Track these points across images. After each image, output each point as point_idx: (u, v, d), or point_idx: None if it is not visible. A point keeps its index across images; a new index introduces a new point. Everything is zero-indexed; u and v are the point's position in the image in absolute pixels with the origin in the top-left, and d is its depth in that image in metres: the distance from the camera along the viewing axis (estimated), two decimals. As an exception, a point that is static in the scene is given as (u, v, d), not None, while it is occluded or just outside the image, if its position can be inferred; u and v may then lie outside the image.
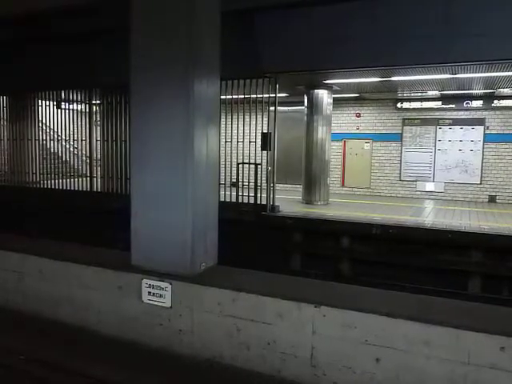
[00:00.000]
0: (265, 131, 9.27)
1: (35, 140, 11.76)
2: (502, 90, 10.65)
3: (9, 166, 12.23)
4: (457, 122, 12.20)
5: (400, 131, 12.76)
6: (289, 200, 11.14)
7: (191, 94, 3.79)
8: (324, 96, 10.69)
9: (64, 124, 11.29)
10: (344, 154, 13.42)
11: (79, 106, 11.70)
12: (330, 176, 11.33)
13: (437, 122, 12.41)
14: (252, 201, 9.29)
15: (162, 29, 3.90)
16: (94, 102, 11.36)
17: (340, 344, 3.22)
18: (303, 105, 11.01)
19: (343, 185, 13.50)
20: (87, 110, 11.30)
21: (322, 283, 4.02)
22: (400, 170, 12.83)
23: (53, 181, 11.61)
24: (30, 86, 11.25)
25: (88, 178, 11.15)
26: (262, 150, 9.37)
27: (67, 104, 11.44)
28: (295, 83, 10.44)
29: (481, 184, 12.01)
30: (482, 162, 11.97)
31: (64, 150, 12.46)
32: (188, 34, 3.81)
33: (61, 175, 11.69)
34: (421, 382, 3.01)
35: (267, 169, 9.37)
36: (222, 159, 9.11)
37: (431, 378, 2.97)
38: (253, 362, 3.54)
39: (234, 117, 9.49)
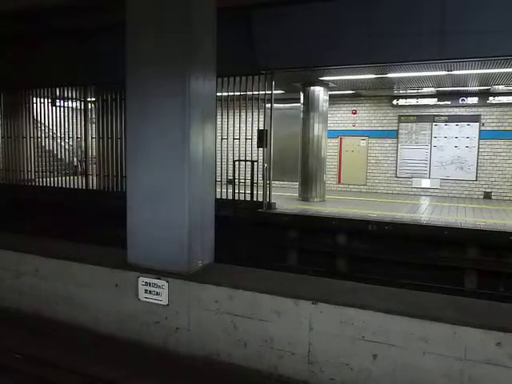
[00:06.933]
0: (261, 128, 9.25)
1: (30, 138, 11.68)
2: (497, 86, 10.67)
3: (3, 164, 12.14)
4: (452, 119, 12.23)
5: (396, 128, 12.78)
6: (285, 197, 11.14)
7: (187, 91, 3.78)
8: (320, 93, 10.68)
9: (59, 121, 11.22)
10: (340, 151, 13.43)
11: (74, 103, 11.61)
12: (326, 173, 11.33)
13: (432, 119, 12.43)
14: (248, 198, 9.28)
15: (158, 26, 3.88)
16: (89, 99, 11.29)
17: (337, 341, 3.23)
18: (299, 102, 11.00)
19: (339, 182, 13.51)
20: (82, 107, 11.22)
21: (318, 280, 4.03)
22: (396, 166, 12.85)
23: (48, 179, 11.54)
24: (25, 83, 11.16)
25: (83, 176, 11.09)
26: (258, 147, 9.35)
27: (62, 101, 11.35)
28: (291, 80, 10.42)
29: (476, 180, 12.06)
30: (478, 159, 12.02)
31: (59, 147, 12.36)
32: (185, 31, 3.79)
33: (56, 173, 11.62)
34: (417, 378, 3.02)
35: (263, 166, 9.34)
36: (218, 156, 9.06)
37: (428, 373, 2.99)
38: (250, 360, 3.54)
39: (230, 114, 9.47)
